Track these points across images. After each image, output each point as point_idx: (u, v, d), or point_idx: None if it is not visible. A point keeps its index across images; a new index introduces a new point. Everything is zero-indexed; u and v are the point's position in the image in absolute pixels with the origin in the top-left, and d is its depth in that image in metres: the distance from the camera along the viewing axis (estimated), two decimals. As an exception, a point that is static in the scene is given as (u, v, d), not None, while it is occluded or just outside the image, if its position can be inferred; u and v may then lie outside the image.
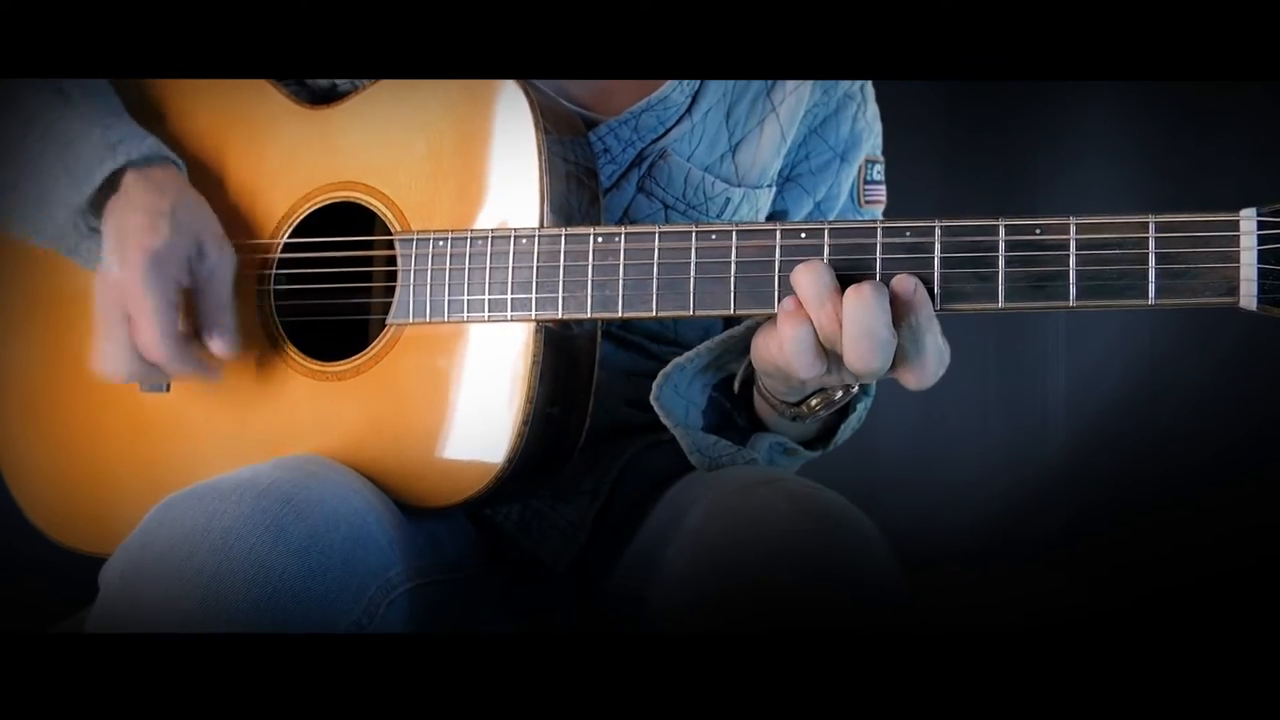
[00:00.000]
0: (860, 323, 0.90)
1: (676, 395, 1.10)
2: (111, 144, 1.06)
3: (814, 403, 1.06)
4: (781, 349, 0.95)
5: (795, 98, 1.23)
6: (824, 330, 0.93)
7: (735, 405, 1.16)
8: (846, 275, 0.93)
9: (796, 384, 1.01)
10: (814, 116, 1.25)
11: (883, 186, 1.31)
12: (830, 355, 0.95)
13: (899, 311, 0.91)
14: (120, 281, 1.04)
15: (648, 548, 1.07)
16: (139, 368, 1.06)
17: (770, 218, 1.27)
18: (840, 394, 1.05)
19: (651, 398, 1.08)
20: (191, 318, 1.08)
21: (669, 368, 1.08)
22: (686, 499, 1.06)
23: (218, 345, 1.07)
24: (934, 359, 0.94)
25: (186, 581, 0.87)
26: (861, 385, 1.06)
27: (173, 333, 1.04)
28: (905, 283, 0.91)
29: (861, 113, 1.28)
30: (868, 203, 1.30)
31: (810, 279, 0.93)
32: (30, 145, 1.08)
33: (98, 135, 1.06)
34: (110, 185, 1.06)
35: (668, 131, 1.19)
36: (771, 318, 0.97)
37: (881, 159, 1.32)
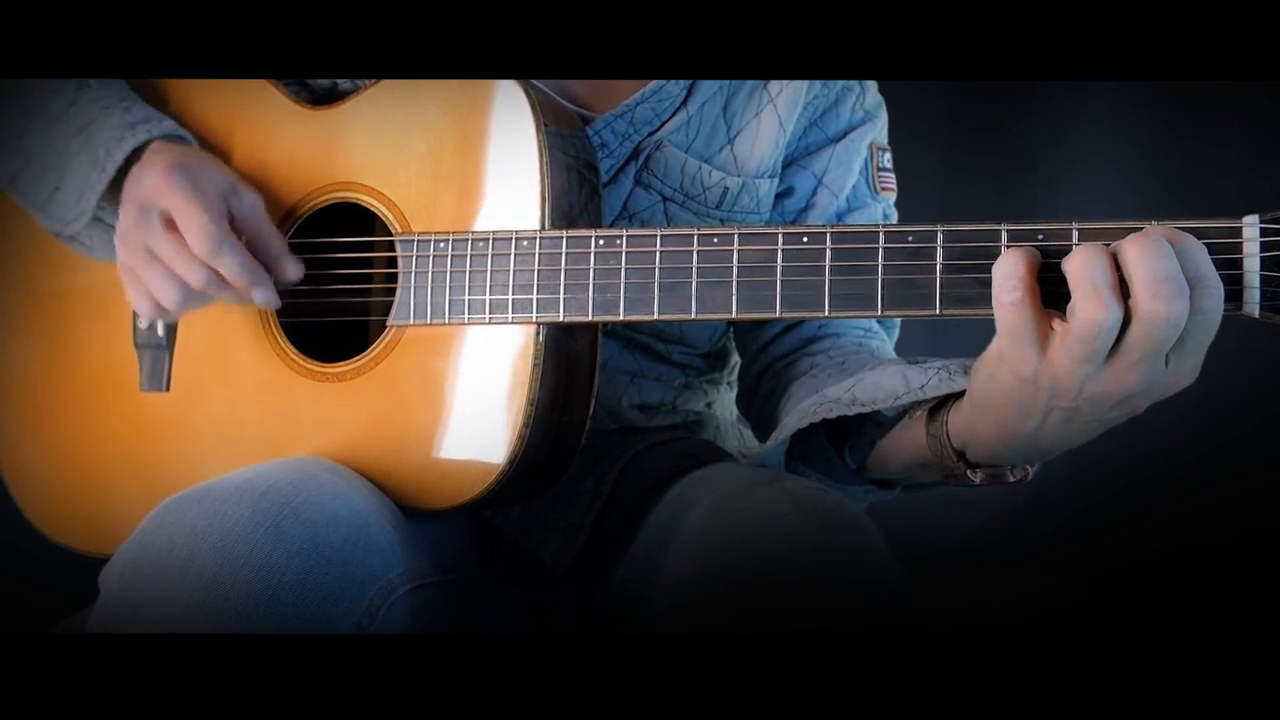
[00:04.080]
0: (1155, 263, 0.81)
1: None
2: (131, 124, 1.06)
3: (977, 476, 1.03)
4: (999, 341, 0.87)
5: (793, 89, 1.23)
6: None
7: (851, 451, 1.15)
8: (849, 278, 0.93)
9: (1014, 412, 0.92)
10: (814, 109, 1.26)
11: (893, 174, 1.31)
12: (1040, 344, 0.86)
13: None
14: (151, 194, 1.02)
15: (649, 548, 1.07)
16: (200, 274, 1.02)
17: (777, 198, 1.27)
18: (1014, 477, 1.02)
19: (802, 419, 1.06)
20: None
21: (834, 409, 1.04)
22: (688, 499, 1.06)
23: (286, 270, 1.07)
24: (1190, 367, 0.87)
25: (187, 583, 0.87)
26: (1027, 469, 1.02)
27: (225, 222, 1.02)
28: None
29: (860, 102, 1.28)
30: (883, 189, 1.30)
31: (1013, 261, 0.86)
32: (45, 127, 1.08)
33: (117, 116, 1.07)
34: (129, 165, 1.06)
35: (664, 124, 1.19)
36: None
37: (888, 147, 1.32)
